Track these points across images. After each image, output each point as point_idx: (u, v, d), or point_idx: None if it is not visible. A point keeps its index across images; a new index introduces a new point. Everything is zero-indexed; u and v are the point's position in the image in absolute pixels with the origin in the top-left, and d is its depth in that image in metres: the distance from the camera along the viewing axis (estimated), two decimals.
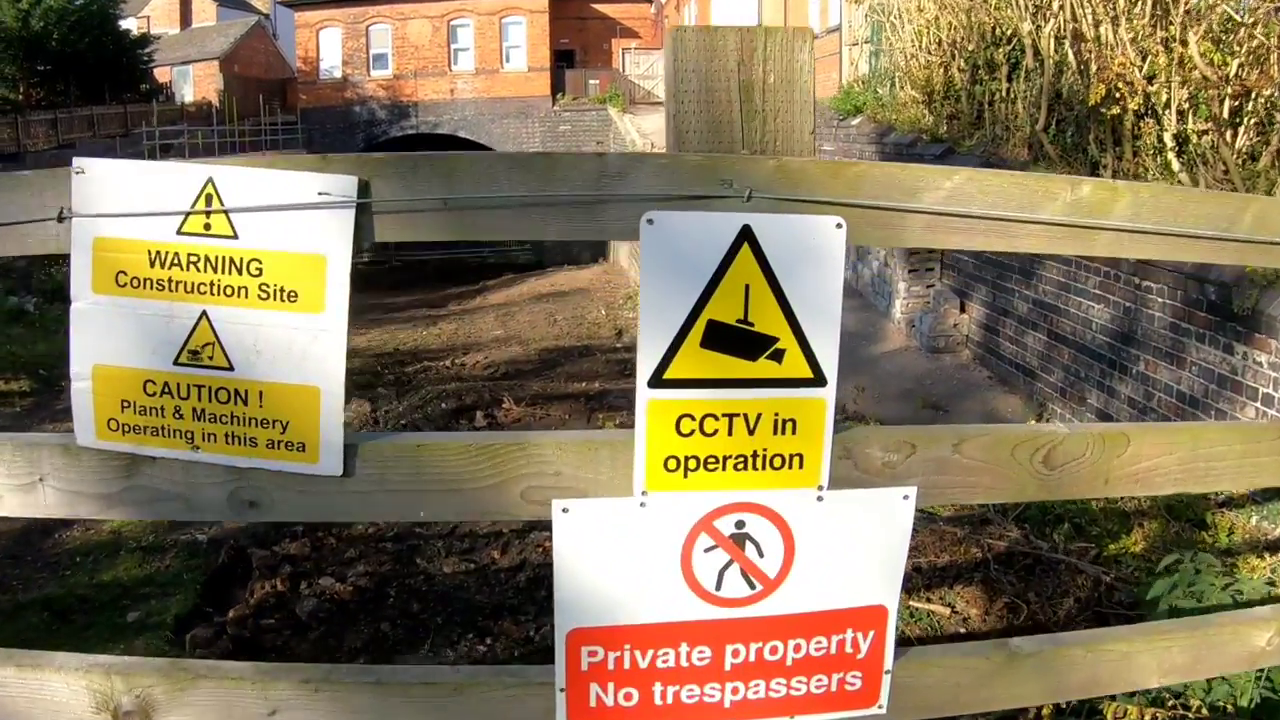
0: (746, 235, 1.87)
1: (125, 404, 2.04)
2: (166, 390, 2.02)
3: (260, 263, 1.92)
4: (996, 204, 1.98)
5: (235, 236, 1.91)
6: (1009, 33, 13.80)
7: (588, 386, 12.60)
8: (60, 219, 1.97)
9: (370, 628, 5.74)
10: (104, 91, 45.73)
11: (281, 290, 1.93)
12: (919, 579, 5.39)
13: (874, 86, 19.30)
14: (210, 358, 1.98)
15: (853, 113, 19.11)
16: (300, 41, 50.63)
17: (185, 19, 61.17)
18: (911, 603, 5.10)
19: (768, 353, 1.93)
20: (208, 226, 1.92)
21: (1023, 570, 5.48)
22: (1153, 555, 5.47)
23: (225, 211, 1.90)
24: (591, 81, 48.90)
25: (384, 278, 45.52)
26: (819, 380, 1.96)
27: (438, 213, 1.90)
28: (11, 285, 26.43)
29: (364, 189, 1.89)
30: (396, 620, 5.82)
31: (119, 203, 1.95)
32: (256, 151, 44.26)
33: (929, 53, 15.94)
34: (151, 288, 1.97)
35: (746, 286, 1.89)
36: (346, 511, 2.12)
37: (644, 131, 37.45)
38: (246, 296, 1.94)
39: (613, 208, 1.88)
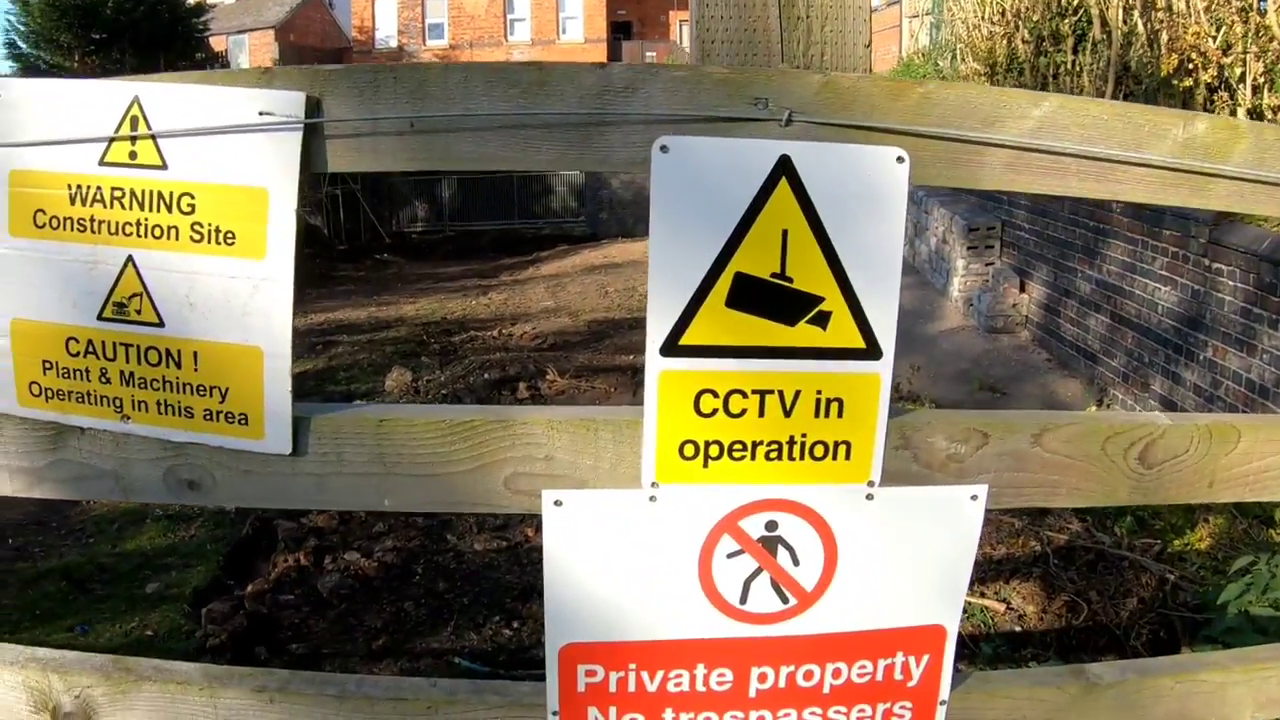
0: (785, 168, 1.51)
1: (47, 365, 1.76)
2: (91, 350, 1.73)
3: (193, 198, 1.61)
4: (1094, 139, 1.62)
5: (164, 167, 1.61)
6: (1075, 2, 13.43)
7: (635, 359, 12.36)
8: None
9: (393, 606, 5.63)
10: (159, 60, 45.88)
11: (217, 231, 1.61)
12: (973, 571, 5.09)
13: (934, 59, 18.99)
14: (138, 311, 1.68)
15: None
16: (356, 10, 50.98)
17: None
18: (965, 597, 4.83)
19: (810, 316, 1.58)
20: (133, 155, 1.61)
21: (1084, 566, 5.23)
22: (1219, 553, 5.31)
23: (153, 136, 1.59)
24: (649, 54, 48.71)
25: (438, 247, 45.67)
26: (873, 352, 1.62)
27: (403, 136, 1.57)
28: None
29: (314, 108, 1.57)
30: (421, 599, 5.70)
31: (38, 129, 1.65)
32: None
33: (992, 23, 15.53)
34: (73, 228, 1.67)
35: (784, 232, 1.54)
36: (297, 497, 1.79)
37: None
38: (177, 238, 1.63)
39: (617, 131, 1.54)
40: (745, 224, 1.53)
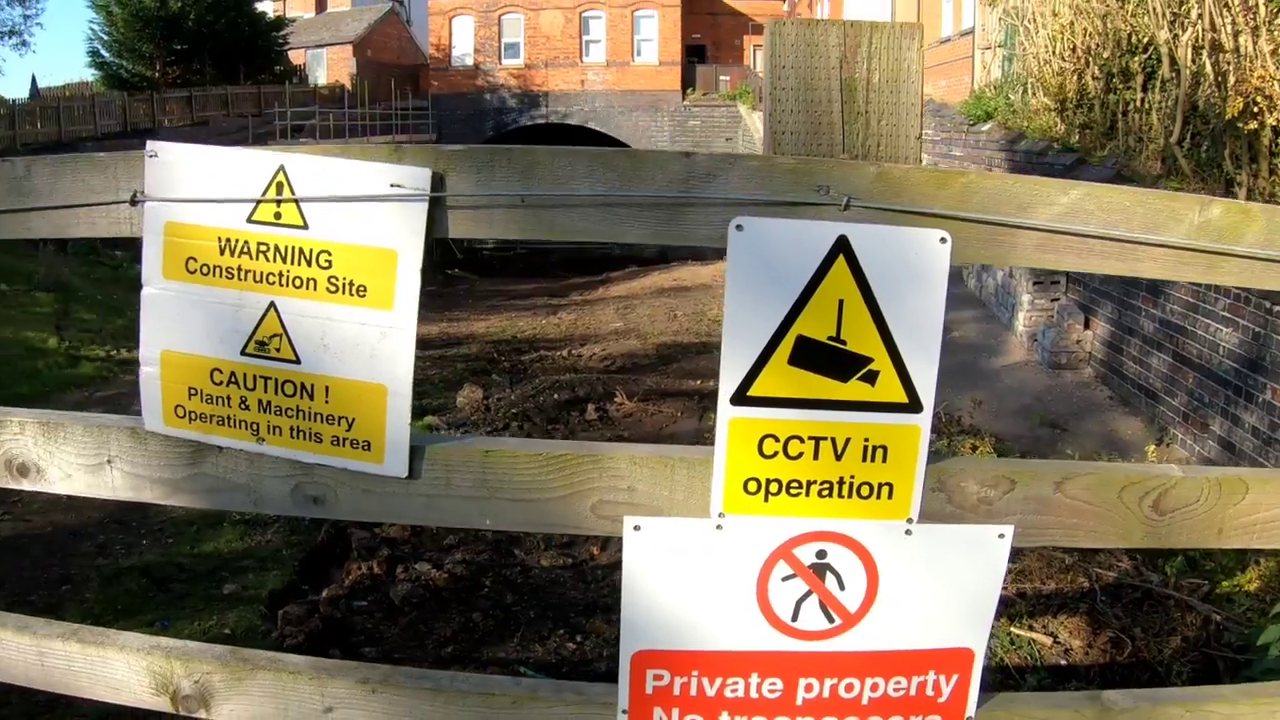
0: (842, 247, 1.75)
1: (192, 391, 2.02)
2: (233, 380, 1.99)
3: (330, 255, 1.87)
4: (1117, 223, 1.84)
5: (305, 227, 1.87)
6: (1145, 41, 13.48)
7: (702, 384, 12.52)
8: (133, 202, 1.97)
9: (462, 617, 5.74)
10: (238, 72, 46.54)
11: (351, 284, 1.87)
12: (1022, 604, 5.28)
13: (1006, 92, 18.93)
14: (277, 349, 1.95)
15: (983, 118, 18.87)
16: (433, 29, 51.41)
17: (320, 4, 62.17)
18: (1013, 629, 4.98)
19: (860, 374, 1.81)
20: (278, 215, 1.88)
21: (1130, 604, 5.32)
22: (1268, 595, 5.35)
23: (296, 201, 1.85)
24: (722, 78, 48.95)
25: (509, 265, 45.98)
26: (915, 406, 1.84)
27: (514, 209, 1.82)
28: (136, 253, 27.09)
29: (438, 182, 1.82)
30: (489, 611, 5.82)
31: (192, 188, 1.92)
32: (387, 135, 44.81)
33: (1062, 59, 15.59)
34: (221, 275, 1.94)
35: (840, 302, 1.77)
36: (410, 514, 2.05)
37: None
38: (315, 289, 1.89)
39: (700, 212, 1.78)
40: (807, 294, 1.76)
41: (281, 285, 1.90)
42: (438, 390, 13.44)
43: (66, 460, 2.18)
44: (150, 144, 1.94)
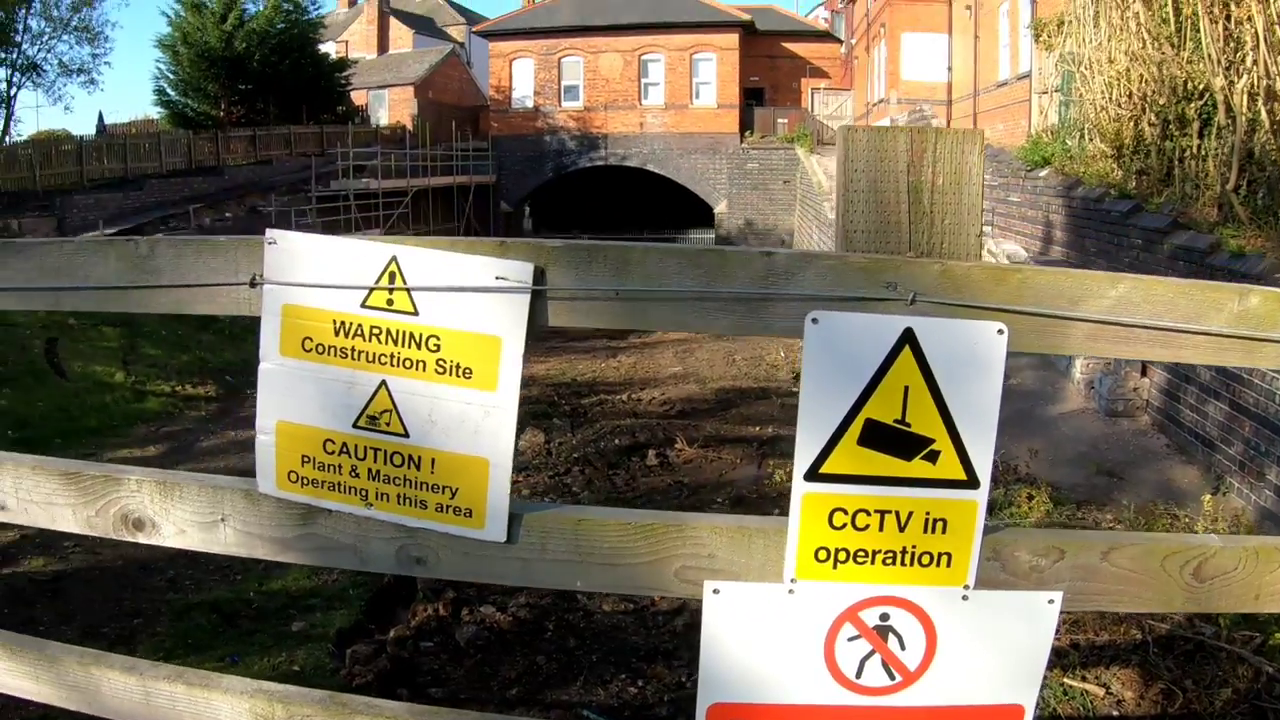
0: (908, 338, 1.91)
1: (305, 459, 2.19)
2: (345, 450, 2.16)
3: (439, 339, 2.04)
4: (1161, 314, 1.97)
5: (416, 313, 2.03)
6: (1201, 88, 13.52)
7: (761, 430, 12.58)
8: (252, 284, 2.14)
9: (526, 659, 5.85)
10: (301, 112, 47.12)
11: (458, 366, 2.04)
12: (1075, 655, 5.32)
13: (1063, 138, 18.90)
14: (387, 424, 2.11)
15: (1040, 164, 18.88)
16: (494, 71, 51.93)
17: (382, 45, 62.76)
18: (1066, 679, 5.05)
19: (923, 453, 1.96)
20: (390, 302, 2.04)
21: (1182, 655, 5.35)
22: None
23: (407, 289, 2.02)
24: (780, 120, 49.09)
25: None
26: (972, 483, 1.99)
27: (609, 301, 1.98)
28: None
29: (540, 276, 1.98)
30: (552, 654, 5.92)
31: (309, 273, 2.09)
32: (448, 176, 45.20)
33: (1119, 105, 15.61)
34: (335, 355, 2.11)
35: (906, 388, 1.93)
36: (507, 576, 2.21)
37: (830, 173, 37.30)
38: (424, 370, 2.06)
39: (779, 306, 1.93)
40: (875, 380, 1.92)
41: (392, 366, 2.07)
42: None
43: (182, 517, 2.36)
44: (270, 232, 2.10)
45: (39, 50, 39.55)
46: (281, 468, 2.22)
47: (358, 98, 54.92)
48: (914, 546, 2.01)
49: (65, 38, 40.39)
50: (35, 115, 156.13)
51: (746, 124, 49.39)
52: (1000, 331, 1.92)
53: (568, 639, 6.10)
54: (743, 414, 14.72)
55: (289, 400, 2.18)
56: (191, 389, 18.25)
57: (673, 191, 50.09)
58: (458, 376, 2.05)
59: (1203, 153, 13.19)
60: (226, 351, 21.91)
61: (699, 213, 50.00)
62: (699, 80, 49.62)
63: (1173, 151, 14.01)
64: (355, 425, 2.14)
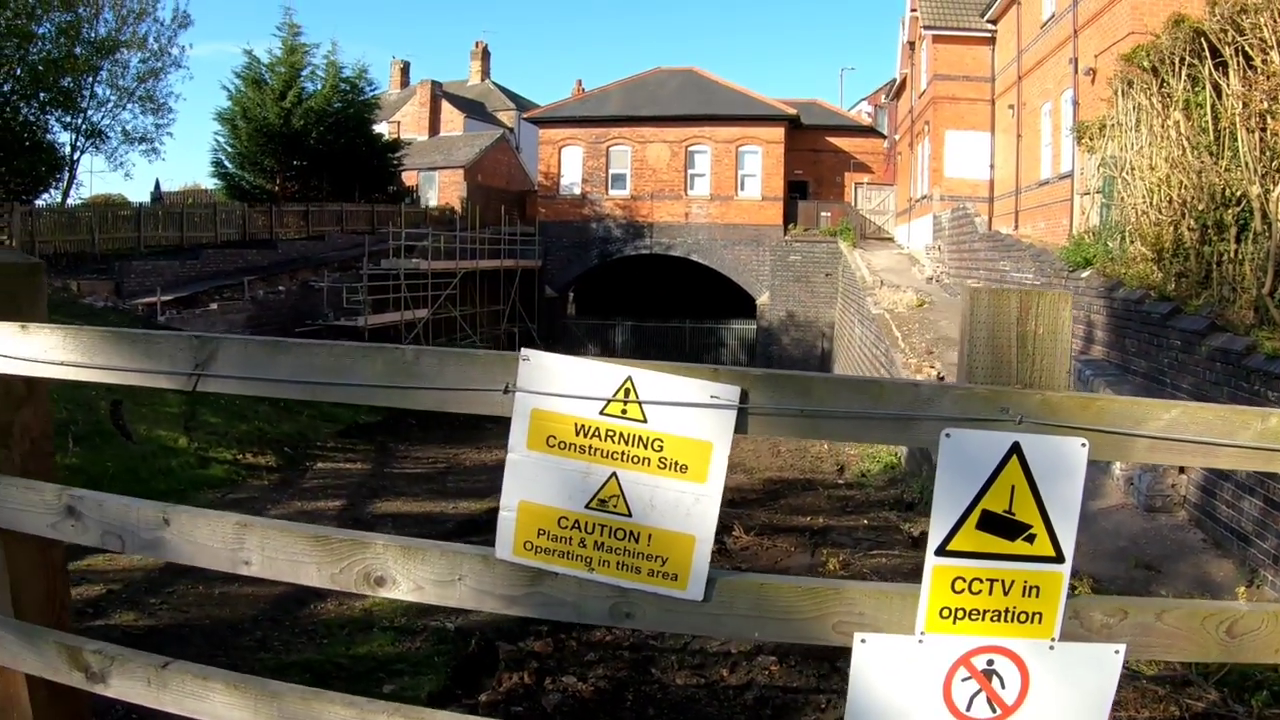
0: (1016, 450, 2.51)
1: (541, 532, 2.76)
2: (576, 526, 2.73)
3: (662, 442, 2.63)
4: (1202, 432, 2.56)
5: (644, 421, 2.63)
6: (1238, 195, 13.89)
7: (811, 520, 12.96)
8: (505, 391, 2.71)
9: None
10: (354, 189, 47.78)
11: (676, 463, 2.63)
12: None
13: (1104, 240, 19.14)
14: (614, 506, 2.69)
15: (1083, 264, 19.11)
16: (543, 157, 52.34)
17: (434, 128, 63.48)
18: None
19: (1023, 535, 2.56)
20: (624, 411, 2.64)
21: None
22: None
23: (639, 403, 2.62)
24: (823, 214, 49.42)
25: None
26: (1059, 558, 2.59)
27: (796, 417, 2.58)
28: None
29: (743, 396, 2.57)
30: None
31: (555, 384, 2.67)
32: (495, 260, 45.77)
33: (1159, 210, 15.91)
34: (574, 450, 2.69)
35: (1012, 486, 2.53)
36: (699, 627, 2.79)
37: (874, 268, 37.67)
38: (649, 465, 2.64)
39: (922, 424, 2.53)
40: (990, 481, 2.53)
41: (623, 461, 2.65)
42: None
43: (421, 576, 2.89)
44: (524, 351, 2.68)
45: (103, 117, 40.39)
46: (519, 538, 2.77)
47: (408, 178, 55.68)
48: (1014, 607, 2.60)
49: (130, 106, 41.18)
50: (90, 178, 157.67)
51: (790, 216, 49.69)
52: (1083, 445, 2.53)
53: (647, 709, 6.43)
54: (791, 504, 15.03)
55: (531, 484, 2.73)
56: (252, 458, 18.83)
57: (716, 281, 50.33)
58: (676, 471, 2.62)
59: (1239, 257, 13.53)
60: (284, 424, 22.49)
61: (742, 303, 50.32)
62: (744, 172, 50.01)
63: (1211, 256, 14.31)
64: (587, 506, 2.70)
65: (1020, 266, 23.49)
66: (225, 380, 3.04)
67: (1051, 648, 2.64)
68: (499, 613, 2.91)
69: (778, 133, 49.83)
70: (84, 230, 32.96)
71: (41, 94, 37.24)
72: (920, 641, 2.63)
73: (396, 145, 53.43)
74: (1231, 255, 13.78)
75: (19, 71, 36.05)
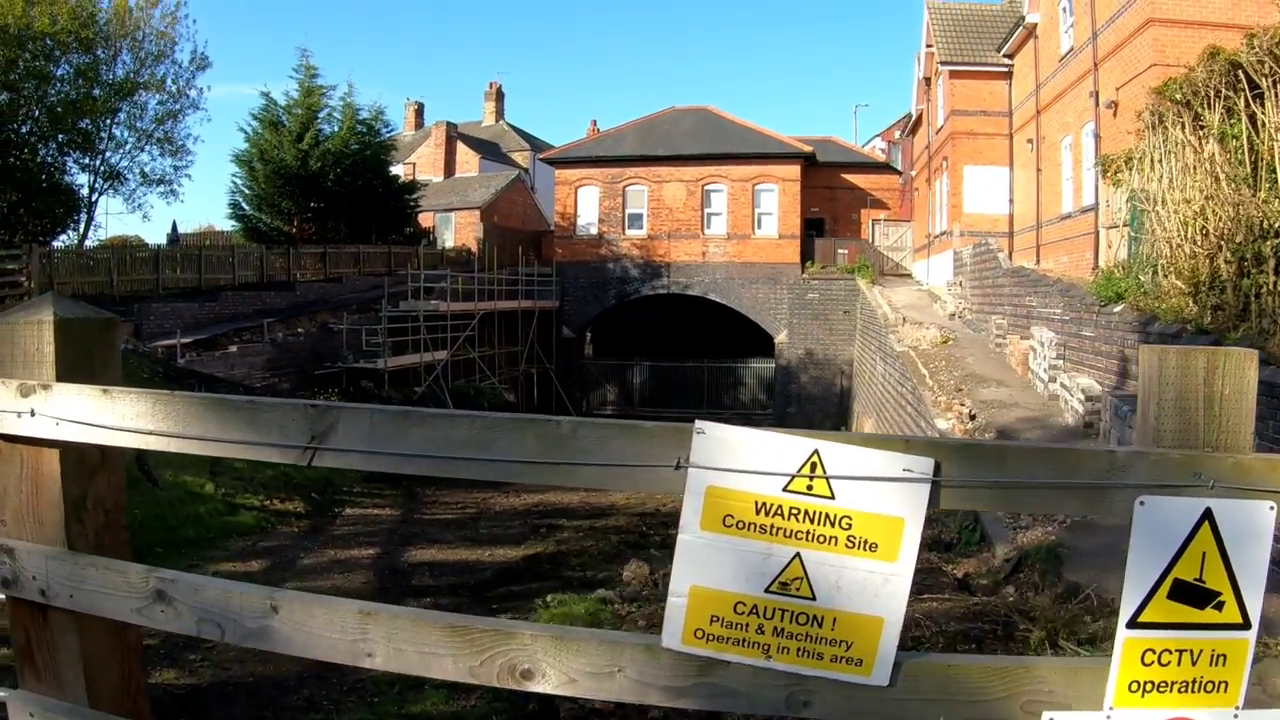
0: (1208, 516, 2.45)
1: (714, 619, 2.64)
2: (754, 611, 2.61)
3: (850, 520, 2.53)
4: None
5: (832, 497, 2.52)
6: (1276, 226, 13.91)
7: None
8: (677, 467, 2.59)
9: None
10: (371, 231, 47.92)
11: (865, 542, 2.53)
12: None
13: (1135, 273, 19.00)
14: (797, 589, 2.58)
15: (1114, 299, 18.94)
16: (559, 198, 52.41)
17: (449, 169, 63.67)
18: None
19: (1213, 603, 2.49)
20: (810, 487, 2.53)
21: None
22: None
23: (827, 478, 2.51)
24: (840, 251, 49.45)
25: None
26: (1246, 625, 2.51)
27: (989, 490, 2.50)
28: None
29: (936, 468, 2.49)
30: None
31: (734, 460, 2.56)
32: (513, 300, 45.82)
33: (1194, 243, 15.85)
34: (754, 530, 2.57)
35: (1203, 554, 2.46)
36: (880, 714, 2.64)
37: (895, 305, 37.60)
38: (836, 545, 2.54)
39: (1117, 493, 2.46)
40: (1182, 549, 2.46)
41: (807, 541, 2.54)
42: (597, 563, 13.76)
43: (574, 668, 2.74)
44: (698, 423, 2.56)
45: (122, 159, 40.58)
46: (689, 626, 2.65)
47: (424, 219, 55.91)
48: (1201, 677, 2.53)
49: (149, 148, 41.39)
50: (106, 219, 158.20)
51: (807, 254, 49.69)
52: (1271, 508, 2.47)
53: None
54: None
55: (705, 568, 2.62)
56: (280, 504, 18.76)
57: (733, 320, 50.34)
58: (864, 550, 2.52)
59: (1278, 289, 13.58)
60: (309, 469, 22.46)
61: (760, 342, 50.30)
62: (761, 210, 50.02)
63: (1249, 288, 14.30)
64: (767, 590, 2.58)
65: (1048, 302, 23.39)
66: (347, 454, 2.87)
67: (1235, 716, 2.57)
68: (662, 705, 2.79)
69: (794, 170, 49.86)
70: (102, 272, 33.04)
71: (60, 135, 37.63)
72: (1108, 717, 2.56)
73: (413, 186, 53.69)
74: (1271, 287, 13.80)
75: (37, 113, 36.45)
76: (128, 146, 40.83)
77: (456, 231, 57.22)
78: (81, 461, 3.28)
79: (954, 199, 39.84)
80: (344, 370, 35.12)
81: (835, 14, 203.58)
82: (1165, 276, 17.16)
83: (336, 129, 48.09)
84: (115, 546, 3.39)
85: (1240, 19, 22.38)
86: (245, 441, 3.00)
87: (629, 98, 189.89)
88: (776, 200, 49.90)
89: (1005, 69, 38.53)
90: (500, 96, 76.46)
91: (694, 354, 51.50)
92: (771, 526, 2.57)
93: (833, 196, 54.00)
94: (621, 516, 18.40)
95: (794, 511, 2.56)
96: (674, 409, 49.30)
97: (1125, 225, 21.13)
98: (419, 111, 76.43)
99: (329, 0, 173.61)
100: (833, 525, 2.55)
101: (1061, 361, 21.22)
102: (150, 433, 3.04)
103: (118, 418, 3.07)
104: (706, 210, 50.60)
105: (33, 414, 3.16)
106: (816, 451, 2.54)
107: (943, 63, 40.21)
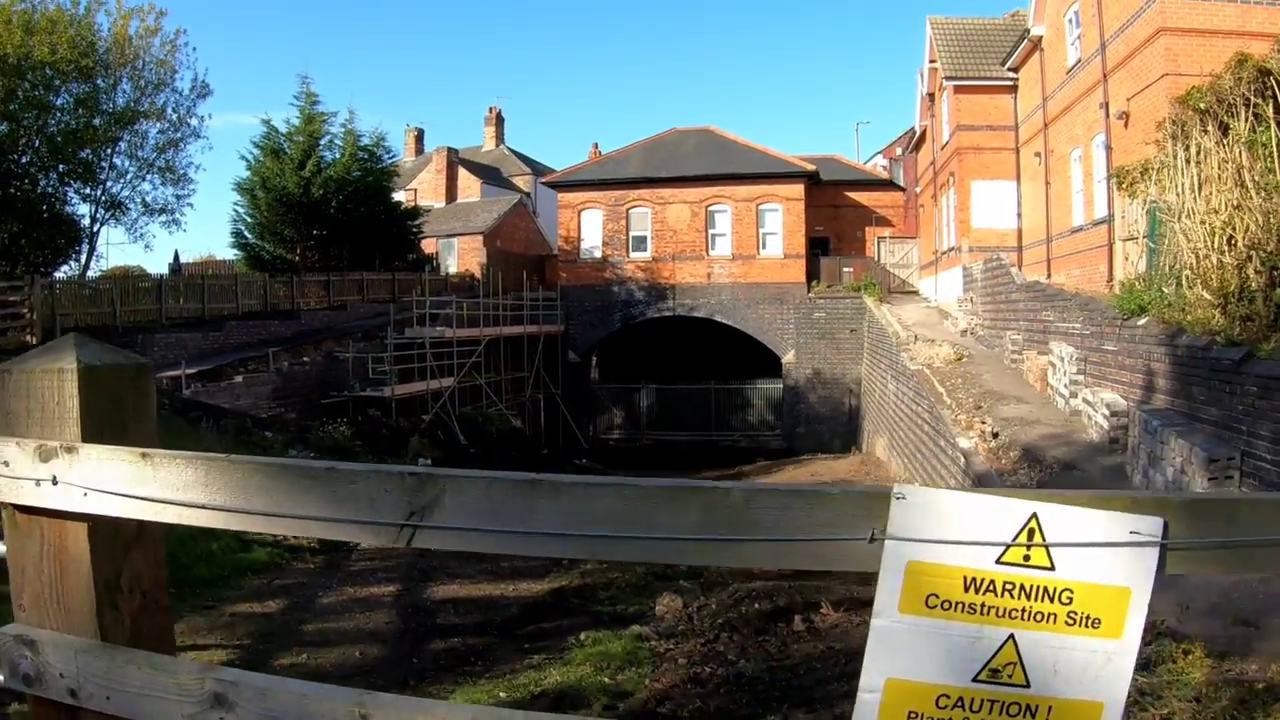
0: None
1: (913, 715, 2.23)
2: (959, 704, 2.20)
3: (1071, 593, 2.12)
4: None
5: (1052, 568, 2.12)
6: None
7: None
8: (871, 540, 2.17)
9: None
10: (374, 258, 47.79)
11: (1087, 618, 2.12)
12: None
13: (1157, 285, 18.84)
14: (1010, 676, 2.17)
15: (1136, 311, 18.83)
16: (562, 221, 52.34)
17: (450, 194, 63.69)
18: None
19: None
20: (1027, 557, 2.12)
21: None
22: None
23: (1046, 545, 2.11)
24: (845, 269, 49.37)
25: (637, 456, 46.34)
26: None
27: (1218, 550, 2.09)
28: (289, 438, 27.50)
29: (1164, 529, 2.08)
30: None
31: (937, 528, 2.16)
32: (519, 325, 45.62)
33: (1221, 253, 15.72)
34: (962, 611, 2.16)
35: None
36: None
37: (905, 323, 37.49)
38: (1054, 622, 2.13)
39: None
40: None
41: (1023, 619, 2.13)
42: (626, 596, 13.35)
43: None
44: (898, 487, 2.16)
45: (123, 188, 40.33)
46: None
47: (427, 245, 55.80)
48: None
49: (150, 178, 41.14)
50: (108, 249, 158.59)
51: (812, 273, 49.46)
52: None
53: None
54: (866, 574, 14.57)
55: (905, 657, 2.21)
56: (294, 539, 18.32)
57: (740, 341, 50.07)
58: (1086, 627, 2.12)
59: None
60: None
61: (767, 362, 50.00)
62: (765, 230, 49.80)
63: None
64: (975, 679, 2.18)
65: (1066, 316, 23.08)
66: (456, 534, 2.38)
67: None
68: None
69: (798, 190, 49.63)
70: (105, 303, 32.88)
71: (61, 166, 37.46)
72: None
73: (415, 213, 53.67)
74: None
75: (37, 143, 36.26)
76: (129, 176, 40.71)
77: (459, 257, 57.08)
78: (115, 536, 2.77)
79: (961, 214, 39.58)
80: (350, 399, 34.75)
81: (833, 33, 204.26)
82: (1191, 288, 16.96)
83: (338, 156, 48.04)
84: (156, 635, 2.86)
85: (1251, 27, 22.43)
86: (324, 519, 2.48)
87: (628, 120, 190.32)
88: (781, 220, 49.67)
89: (1010, 82, 38.36)
90: (500, 121, 76.52)
91: (700, 376, 51.13)
92: (982, 605, 2.17)
93: (837, 215, 54.00)
94: None
95: (1009, 587, 2.16)
96: (682, 432, 49.32)
97: (1144, 237, 21.02)
98: (419, 138, 76.59)
99: (324, 30, 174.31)
100: (1052, 600, 2.14)
101: (1082, 377, 21.08)
102: (203, 506, 2.55)
103: (161, 487, 2.58)
104: (711, 231, 50.40)
105: (55, 482, 2.66)
106: (1035, 515, 2.13)
107: (948, 77, 39.97)
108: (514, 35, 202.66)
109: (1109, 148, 26.97)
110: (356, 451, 29.00)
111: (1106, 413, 18.50)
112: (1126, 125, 25.56)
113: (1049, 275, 32.08)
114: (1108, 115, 27.06)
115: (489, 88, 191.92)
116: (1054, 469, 16.97)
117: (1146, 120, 23.42)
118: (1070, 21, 31.15)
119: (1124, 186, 22.56)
